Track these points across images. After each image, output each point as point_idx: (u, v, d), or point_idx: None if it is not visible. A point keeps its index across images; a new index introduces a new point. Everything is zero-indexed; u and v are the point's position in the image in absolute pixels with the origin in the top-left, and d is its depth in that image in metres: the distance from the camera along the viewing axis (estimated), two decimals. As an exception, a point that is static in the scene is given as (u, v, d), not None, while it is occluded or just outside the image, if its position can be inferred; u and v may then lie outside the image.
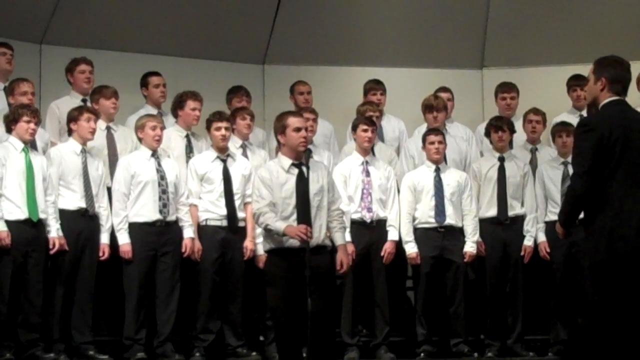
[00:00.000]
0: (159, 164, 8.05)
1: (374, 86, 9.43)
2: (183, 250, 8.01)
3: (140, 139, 8.12)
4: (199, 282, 8.10)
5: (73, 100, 8.45)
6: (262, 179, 6.89)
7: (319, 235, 6.79)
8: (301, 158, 6.87)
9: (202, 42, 10.07)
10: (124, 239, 7.91)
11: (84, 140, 7.93)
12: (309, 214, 6.76)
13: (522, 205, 8.51)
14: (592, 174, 5.57)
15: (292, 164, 6.86)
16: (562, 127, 8.72)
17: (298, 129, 6.87)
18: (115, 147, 8.35)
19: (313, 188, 6.83)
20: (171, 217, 7.99)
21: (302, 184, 6.80)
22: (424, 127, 8.93)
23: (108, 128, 8.40)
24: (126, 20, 9.70)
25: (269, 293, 6.95)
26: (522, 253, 8.43)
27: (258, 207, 6.85)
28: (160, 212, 7.94)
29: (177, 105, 8.58)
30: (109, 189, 8.07)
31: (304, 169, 6.84)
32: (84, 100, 8.48)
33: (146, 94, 8.96)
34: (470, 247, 8.30)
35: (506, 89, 9.52)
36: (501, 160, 8.57)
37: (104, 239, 7.93)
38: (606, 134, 5.58)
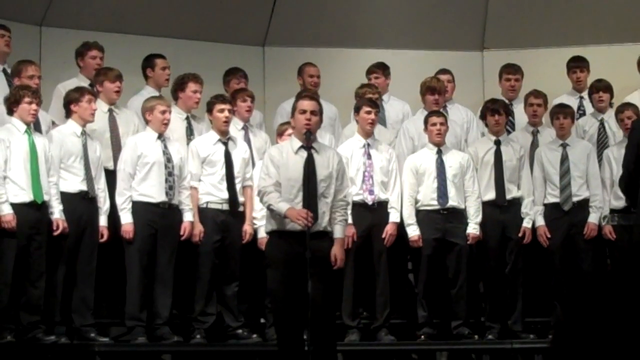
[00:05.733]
0: (166, 146, 8.02)
1: (371, 68, 9.38)
2: (182, 233, 7.99)
3: (147, 121, 8.07)
4: (198, 264, 8.10)
5: (80, 84, 8.37)
6: (271, 158, 6.90)
7: (321, 221, 6.79)
8: (309, 141, 6.85)
9: (202, 24, 10.02)
10: (126, 219, 7.88)
11: (85, 121, 7.88)
12: (314, 198, 6.76)
13: (519, 188, 8.50)
14: (628, 168, 6.55)
15: (301, 147, 6.85)
16: (560, 109, 8.72)
17: (303, 111, 6.88)
18: (118, 130, 8.29)
19: (320, 173, 6.83)
20: (175, 200, 7.97)
21: (310, 167, 6.79)
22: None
23: (110, 111, 8.32)
24: (125, 2, 9.66)
25: (269, 275, 6.97)
26: (520, 234, 8.42)
27: (264, 185, 6.86)
28: (166, 194, 7.91)
29: (178, 87, 8.54)
30: (107, 171, 8.04)
31: (313, 152, 6.83)
32: (91, 85, 8.42)
33: (151, 76, 8.83)
34: (473, 229, 8.29)
35: (511, 70, 9.46)
36: (497, 143, 8.54)
37: (102, 221, 7.91)
38: None
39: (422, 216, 8.28)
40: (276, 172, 6.83)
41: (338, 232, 6.90)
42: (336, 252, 6.85)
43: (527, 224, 8.45)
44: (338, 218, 6.90)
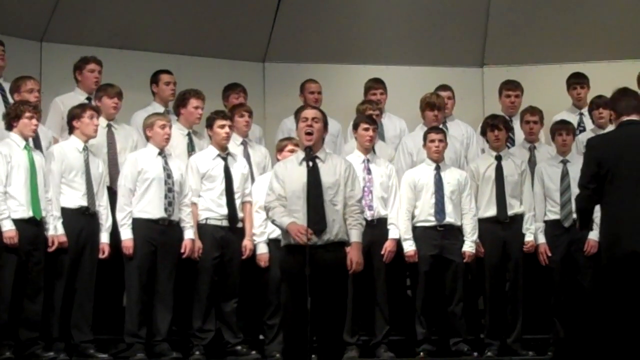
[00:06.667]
0: (166, 162, 8.03)
1: (373, 85, 9.42)
2: (182, 250, 7.99)
3: (147, 137, 8.10)
4: (197, 280, 8.09)
5: (78, 97, 8.43)
6: (275, 173, 6.88)
7: (331, 229, 6.69)
8: (308, 156, 6.81)
9: (202, 40, 10.05)
10: (126, 235, 7.88)
11: (87, 137, 7.90)
12: (321, 206, 6.69)
13: (521, 203, 8.50)
14: (588, 187, 6.34)
15: (305, 157, 6.83)
16: (561, 126, 8.73)
17: (304, 119, 6.84)
18: (116, 145, 8.32)
19: (326, 181, 6.73)
20: (175, 217, 7.97)
21: (314, 176, 6.72)
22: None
23: (109, 126, 8.36)
24: (126, 18, 9.68)
25: (281, 289, 6.93)
26: (525, 249, 8.40)
27: (268, 200, 6.83)
28: (165, 210, 7.91)
29: (180, 103, 8.57)
30: (108, 188, 8.05)
31: (318, 161, 6.80)
32: (88, 99, 8.45)
33: (156, 91, 8.90)
34: (469, 246, 8.29)
35: (511, 87, 9.47)
36: (498, 159, 8.54)
37: (104, 238, 7.90)
38: (602, 152, 6.34)
39: (419, 232, 8.27)
40: (279, 186, 6.79)
41: (354, 236, 6.78)
42: (352, 256, 6.75)
43: (529, 237, 8.43)
44: (352, 223, 6.79)
